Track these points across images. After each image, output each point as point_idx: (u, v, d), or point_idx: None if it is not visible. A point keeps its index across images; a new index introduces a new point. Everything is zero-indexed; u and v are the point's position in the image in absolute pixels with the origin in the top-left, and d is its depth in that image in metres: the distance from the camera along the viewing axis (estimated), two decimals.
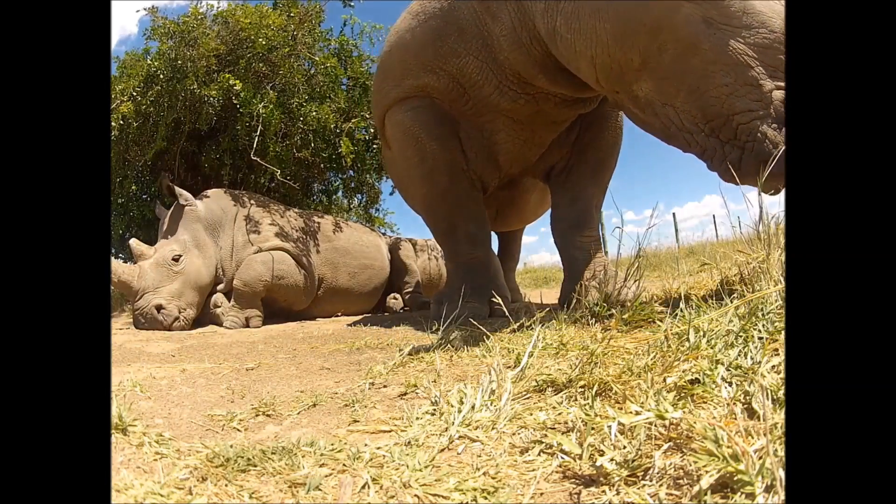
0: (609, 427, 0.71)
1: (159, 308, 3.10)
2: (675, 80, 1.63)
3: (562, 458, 0.71)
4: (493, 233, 4.06)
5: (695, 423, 0.67)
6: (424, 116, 2.58)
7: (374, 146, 5.29)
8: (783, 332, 0.93)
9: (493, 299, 2.36)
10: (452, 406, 0.95)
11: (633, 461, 0.65)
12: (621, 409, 0.82)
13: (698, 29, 1.56)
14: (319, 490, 0.68)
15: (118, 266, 3.17)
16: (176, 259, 3.25)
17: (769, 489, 0.53)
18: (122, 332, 2.98)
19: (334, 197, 6.00)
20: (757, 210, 1.42)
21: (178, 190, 3.58)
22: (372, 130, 5.10)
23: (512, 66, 2.27)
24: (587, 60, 1.85)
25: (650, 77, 1.69)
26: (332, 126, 4.67)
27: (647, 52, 1.66)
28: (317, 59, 4.77)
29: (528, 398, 0.96)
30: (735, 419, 0.66)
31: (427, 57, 2.46)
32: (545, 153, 2.85)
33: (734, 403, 0.75)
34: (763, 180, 1.43)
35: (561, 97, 2.40)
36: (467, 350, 1.50)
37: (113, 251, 5.05)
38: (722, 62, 1.52)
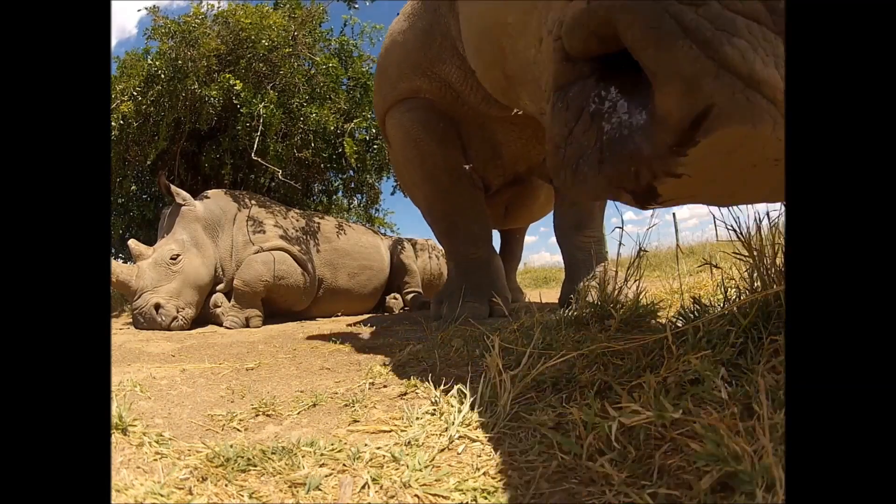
0: (609, 427, 0.71)
1: (157, 307, 3.10)
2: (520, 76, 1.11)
3: (562, 458, 0.71)
4: (496, 232, 4.05)
5: (695, 423, 0.67)
6: (424, 117, 2.55)
7: (375, 146, 5.30)
8: (783, 332, 0.93)
9: (493, 299, 2.36)
10: (452, 406, 0.95)
11: (633, 461, 0.65)
12: (621, 409, 0.82)
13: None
14: (319, 490, 0.68)
15: (117, 266, 3.16)
16: (174, 258, 3.24)
17: (769, 489, 0.53)
18: (122, 332, 2.98)
19: (334, 197, 6.00)
20: (756, 210, 1.42)
21: (174, 189, 3.56)
22: (374, 130, 5.11)
23: None
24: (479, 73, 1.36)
25: (518, 84, 1.11)
26: (333, 127, 4.67)
27: (494, 57, 1.14)
28: (317, 59, 4.77)
29: (528, 398, 0.96)
30: (735, 419, 0.66)
31: (418, 60, 2.34)
32: None
33: (734, 403, 0.75)
34: None
35: None
36: (467, 350, 1.50)
37: (113, 251, 5.05)
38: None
